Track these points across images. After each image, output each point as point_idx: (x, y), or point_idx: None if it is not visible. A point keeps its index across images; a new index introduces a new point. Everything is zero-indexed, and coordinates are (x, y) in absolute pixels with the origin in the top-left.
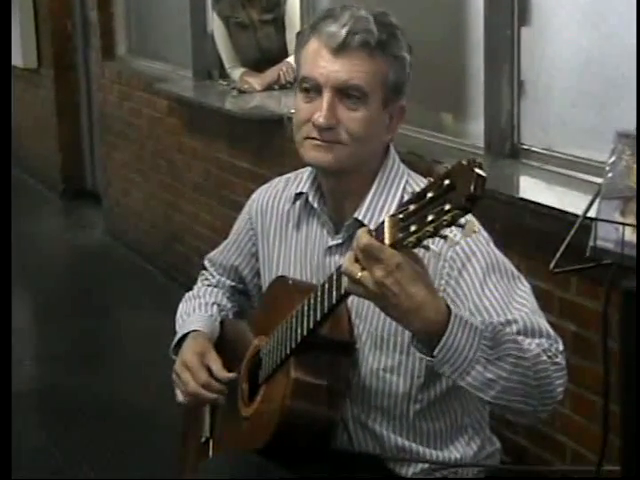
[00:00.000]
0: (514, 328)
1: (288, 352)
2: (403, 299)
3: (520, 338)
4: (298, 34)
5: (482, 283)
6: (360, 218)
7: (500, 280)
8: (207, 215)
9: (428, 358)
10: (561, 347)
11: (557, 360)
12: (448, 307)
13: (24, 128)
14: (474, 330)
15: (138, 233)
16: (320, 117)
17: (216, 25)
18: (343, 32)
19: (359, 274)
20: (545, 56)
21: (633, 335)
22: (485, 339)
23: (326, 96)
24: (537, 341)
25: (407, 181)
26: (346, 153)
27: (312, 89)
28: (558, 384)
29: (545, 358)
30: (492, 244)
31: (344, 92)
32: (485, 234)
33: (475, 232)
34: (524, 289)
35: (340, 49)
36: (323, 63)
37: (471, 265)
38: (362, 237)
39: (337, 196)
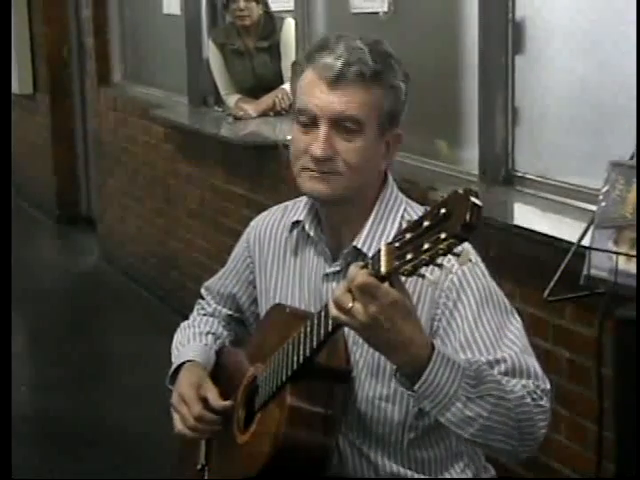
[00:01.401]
0: (502, 367)
1: (284, 379)
2: (393, 334)
3: (506, 379)
4: (294, 64)
5: (475, 316)
6: (359, 246)
7: (494, 314)
8: (202, 241)
9: (409, 392)
10: (548, 387)
11: (541, 403)
12: (432, 343)
13: (20, 154)
14: (456, 367)
15: (133, 259)
16: (317, 149)
17: (212, 52)
18: (338, 64)
19: (350, 305)
20: (539, 84)
21: (627, 363)
22: (467, 377)
23: (322, 128)
24: (523, 382)
25: (405, 209)
26: (343, 183)
27: (308, 121)
28: (540, 426)
29: (529, 400)
30: (488, 276)
31: (340, 123)
32: (482, 266)
33: (470, 261)
34: (516, 325)
35: (335, 81)
36: (319, 95)
37: (466, 297)
38: (358, 275)
39: (335, 225)
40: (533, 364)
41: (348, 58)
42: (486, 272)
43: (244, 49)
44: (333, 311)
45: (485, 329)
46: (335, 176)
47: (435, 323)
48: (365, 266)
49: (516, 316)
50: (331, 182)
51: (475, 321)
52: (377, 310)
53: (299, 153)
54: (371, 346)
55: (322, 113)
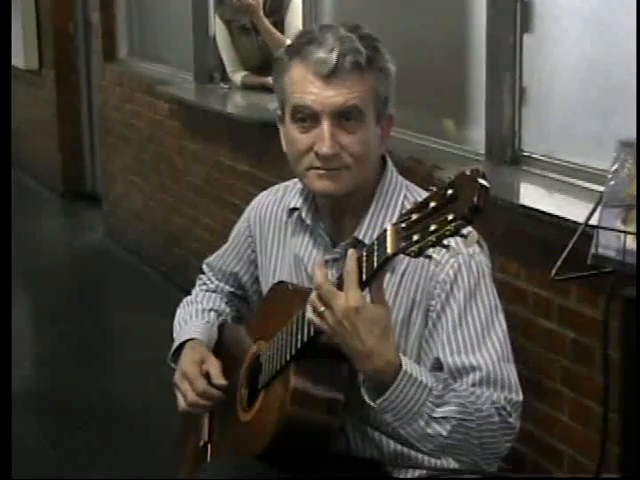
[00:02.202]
0: (477, 376)
1: (288, 358)
2: (356, 342)
3: (476, 394)
4: (275, 60)
5: (461, 314)
6: (360, 237)
7: (480, 312)
8: (207, 218)
9: (371, 404)
10: (520, 399)
11: (509, 420)
12: (401, 360)
13: (25, 129)
14: (422, 387)
15: (138, 235)
16: (324, 147)
17: (218, 28)
18: (334, 56)
19: (322, 308)
20: (547, 63)
21: (634, 343)
22: (433, 397)
23: (325, 124)
24: (494, 397)
25: (405, 195)
26: (352, 177)
27: (308, 118)
28: (504, 441)
29: (496, 419)
30: (483, 269)
31: (341, 116)
32: (478, 258)
33: (477, 242)
34: (501, 327)
35: (332, 74)
36: (315, 90)
37: (458, 291)
38: (317, 278)
39: (335, 215)
40: (509, 374)
41: (341, 49)
42: (483, 263)
43: (251, 26)
44: (308, 313)
45: (468, 329)
46: (343, 171)
47: (429, 314)
48: (360, 258)
49: (502, 316)
50: (341, 178)
51: (460, 319)
52: (337, 317)
53: (301, 153)
54: (345, 353)
55: (323, 108)
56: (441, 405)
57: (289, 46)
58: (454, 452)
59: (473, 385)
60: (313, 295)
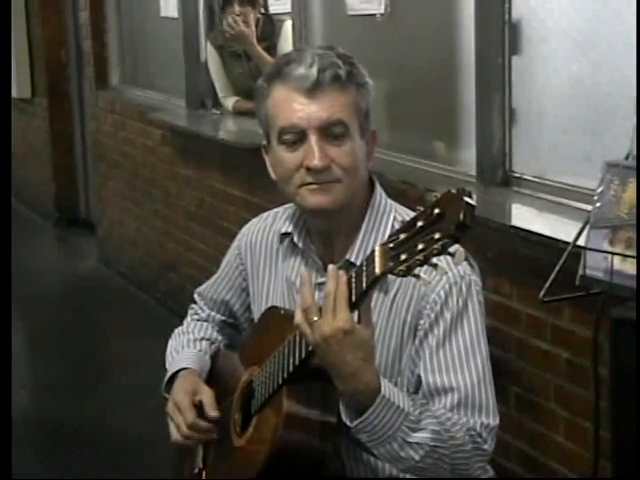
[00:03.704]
0: (455, 398)
1: (280, 382)
2: (340, 363)
3: (452, 421)
4: (256, 90)
5: (446, 335)
6: (352, 260)
7: (465, 335)
8: (201, 243)
9: (348, 423)
10: (496, 423)
11: (484, 447)
12: (380, 384)
13: (18, 157)
14: (399, 412)
15: (132, 262)
16: (314, 160)
17: (210, 54)
18: (314, 71)
19: (315, 318)
20: (536, 84)
21: (624, 362)
22: (408, 421)
23: (313, 138)
24: (471, 422)
25: (395, 217)
26: (343, 190)
27: (295, 137)
28: (477, 467)
29: (468, 447)
30: (473, 290)
31: (327, 130)
32: (469, 278)
33: (466, 260)
34: (484, 350)
35: (314, 89)
36: (300, 107)
37: (446, 312)
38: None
39: (326, 236)
40: (488, 397)
41: (321, 63)
42: (473, 284)
43: (242, 51)
44: (298, 317)
45: (451, 350)
46: (335, 184)
47: (417, 332)
48: (349, 279)
49: (485, 340)
50: (333, 191)
51: (444, 339)
52: (331, 332)
53: (291, 172)
54: (324, 366)
55: (309, 124)
56: (416, 430)
57: (267, 73)
58: (424, 474)
59: (451, 409)
60: (310, 302)
